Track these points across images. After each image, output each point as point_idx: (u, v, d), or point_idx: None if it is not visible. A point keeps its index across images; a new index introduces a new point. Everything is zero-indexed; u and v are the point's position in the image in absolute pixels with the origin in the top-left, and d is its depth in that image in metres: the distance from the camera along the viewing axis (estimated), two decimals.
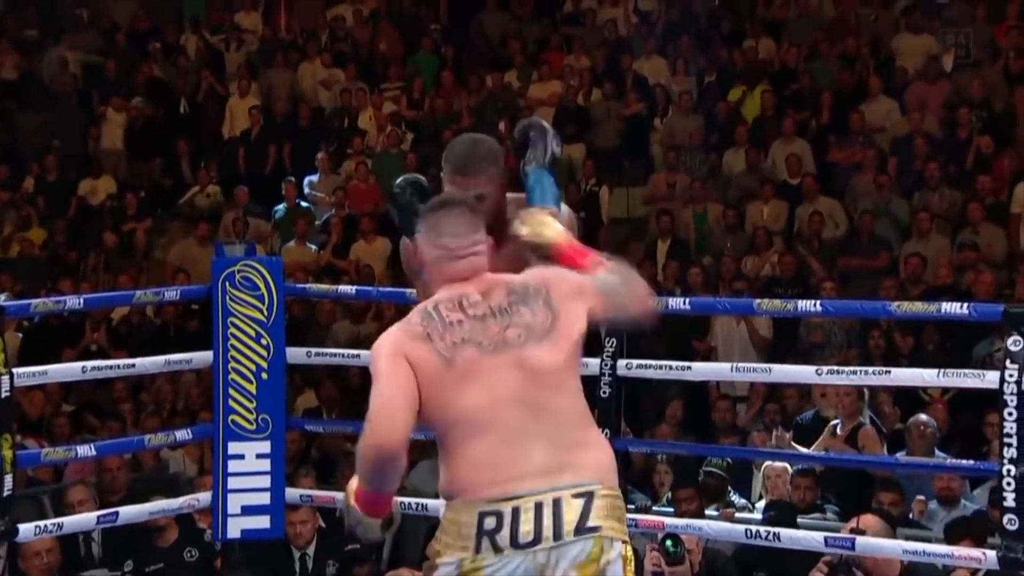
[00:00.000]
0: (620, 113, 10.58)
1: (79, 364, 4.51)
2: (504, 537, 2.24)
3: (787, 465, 5.39)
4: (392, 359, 2.30)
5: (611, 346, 4.22)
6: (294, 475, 5.27)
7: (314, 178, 10.51)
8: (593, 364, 4.28)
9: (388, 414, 2.26)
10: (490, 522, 2.24)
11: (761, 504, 5.40)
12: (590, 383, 6.27)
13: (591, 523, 2.25)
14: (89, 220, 10.68)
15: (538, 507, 2.24)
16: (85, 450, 4.45)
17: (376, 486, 2.33)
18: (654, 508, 4.99)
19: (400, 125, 11.03)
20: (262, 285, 4.50)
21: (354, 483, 2.40)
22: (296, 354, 4.64)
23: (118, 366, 4.60)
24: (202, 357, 4.67)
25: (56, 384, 7.23)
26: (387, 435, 2.25)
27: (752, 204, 9.39)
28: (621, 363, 4.24)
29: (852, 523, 4.09)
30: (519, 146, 2.82)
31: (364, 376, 6.83)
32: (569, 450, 2.29)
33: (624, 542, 2.30)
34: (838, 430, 5.75)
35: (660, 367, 4.39)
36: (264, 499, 4.54)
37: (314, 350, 4.95)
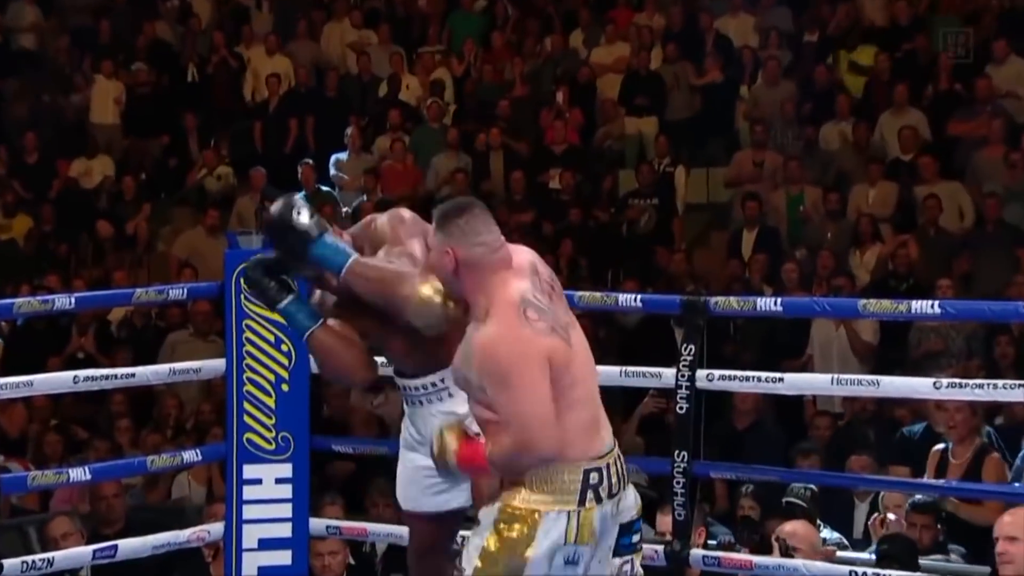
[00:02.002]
0: (699, 81, 10.54)
1: (70, 374, 4.56)
2: (604, 488, 3.04)
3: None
4: (540, 365, 2.96)
5: (689, 354, 4.23)
6: (317, 503, 5.31)
7: (342, 156, 10.57)
8: (668, 375, 4.31)
9: (549, 422, 2.96)
10: (594, 477, 3.02)
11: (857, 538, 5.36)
12: (665, 397, 6.32)
13: (627, 475, 3.13)
14: (81, 206, 10.81)
15: (615, 461, 3.07)
16: (78, 473, 4.49)
17: (505, 473, 3.05)
18: (739, 545, 4.98)
19: (442, 95, 11.07)
20: None
21: (454, 445, 3.09)
22: None
23: (115, 376, 4.61)
24: (213, 366, 4.71)
25: (42, 397, 7.32)
26: (547, 443, 2.96)
27: (856, 187, 9.33)
28: (701, 374, 4.24)
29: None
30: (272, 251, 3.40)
31: None
32: (603, 411, 3.11)
33: None
34: (950, 456, 5.66)
35: (747, 379, 4.38)
36: (285, 531, 4.58)
37: None
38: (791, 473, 5.45)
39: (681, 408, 4.22)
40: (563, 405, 2.99)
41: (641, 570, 3.20)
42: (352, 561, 5.34)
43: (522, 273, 3.05)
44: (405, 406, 3.49)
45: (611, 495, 3.05)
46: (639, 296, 4.58)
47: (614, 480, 3.05)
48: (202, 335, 8.16)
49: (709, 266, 9.24)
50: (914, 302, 4.11)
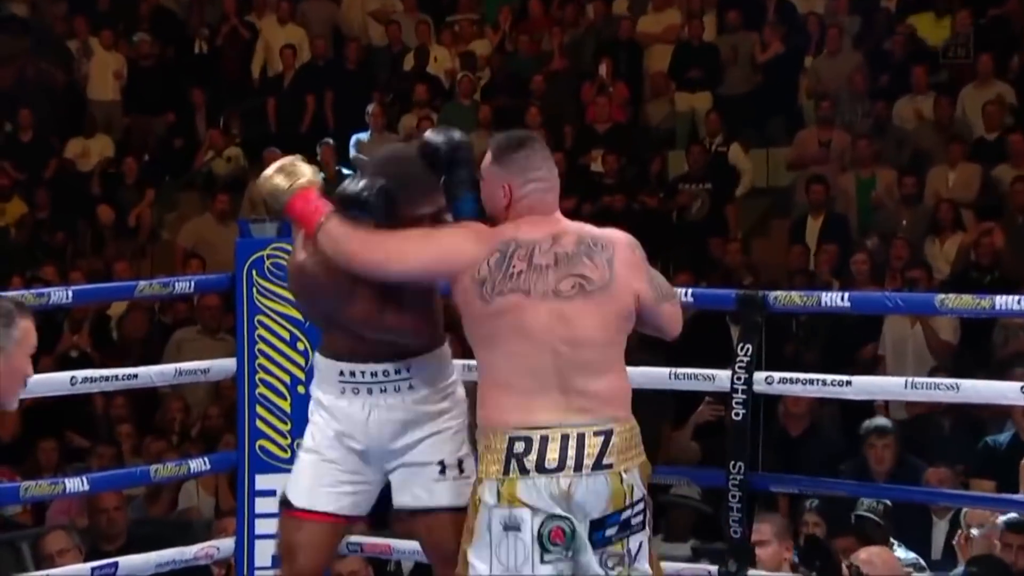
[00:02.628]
0: (758, 51, 10.50)
1: (67, 374, 4.58)
2: (531, 460, 3.16)
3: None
4: (464, 239, 3.21)
5: (745, 354, 4.22)
6: None
7: (364, 136, 10.60)
8: (723, 378, 4.29)
9: (406, 265, 3.20)
10: (519, 446, 3.16)
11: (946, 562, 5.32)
12: (719, 401, 6.29)
13: (607, 460, 3.19)
14: (78, 190, 10.89)
15: (564, 438, 3.16)
16: (76, 484, 4.51)
17: (329, 249, 3.25)
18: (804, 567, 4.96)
19: (473, 69, 11.08)
20: None
21: (286, 187, 3.30)
22: None
23: (116, 377, 4.56)
24: (222, 366, 4.71)
25: (31, 400, 7.35)
26: (394, 272, 3.21)
27: (935, 169, 9.28)
28: (758, 376, 4.22)
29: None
30: (442, 162, 3.34)
31: None
32: (591, 394, 3.21)
33: (641, 463, 3.29)
34: None
35: (810, 382, 4.36)
36: None
37: None
38: (862, 487, 5.43)
39: (737, 414, 4.20)
40: (492, 366, 3.18)
41: (636, 549, 3.25)
42: None
43: (546, 225, 3.22)
44: (333, 398, 3.43)
45: (544, 470, 3.15)
46: (690, 290, 4.54)
47: (551, 456, 3.15)
48: (210, 332, 8.21)
49: (768, 257, 9.22)
50: (999, 297, 4.05)
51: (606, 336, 3.25)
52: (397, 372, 3.38)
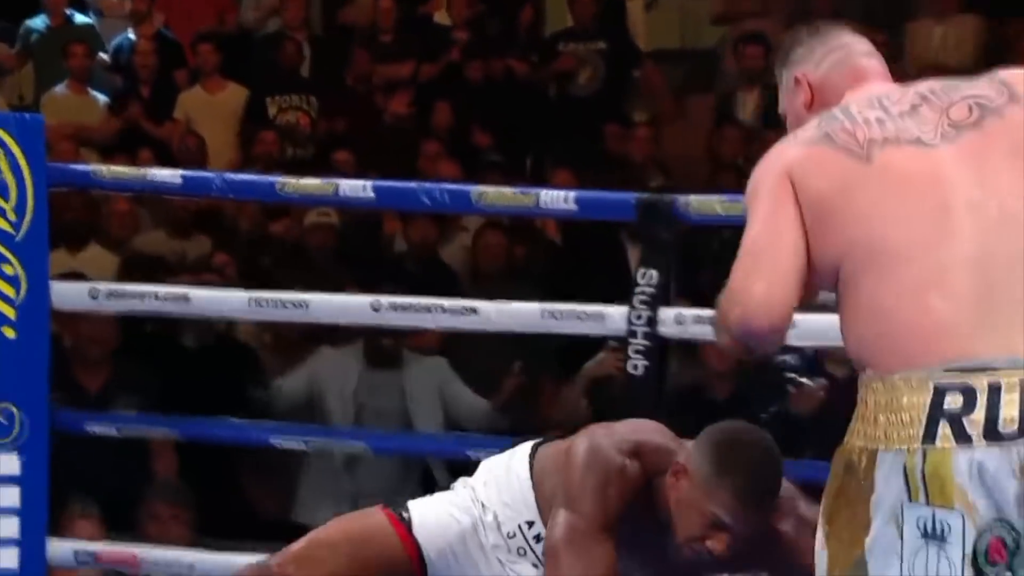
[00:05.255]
0: None
1: None
2: (976, 422, 2.78)
3: None
4: (776, 187, 2.97)
5: (648, 283, 4.36)
6: (61, 515, 5.31)
7: (37, 25, 10.20)
8: (617, 317, 4.45)
9: (767, 281, 3.02)
10: (953, 401, 2.79)
11: None
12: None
13: None
14: None
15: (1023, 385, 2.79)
16: None
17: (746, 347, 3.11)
18: None
19: None
20: (4, 166, 4.56)
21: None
22: (69, 294, 4.73)
23: None
24: None
25: None
26: (760, 313, 3.01)
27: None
28: (666, 315, 4.36)
29: None
30: None
31: (200, 332, 6.91)
32: None
33: None
34: None
35: None
36: (10, 560, 4.60)
37: (104, 286, 4.96)
38: None
39: (635, 366, 4.34)
40: (877, 270, 2.89)
41: None
42: None
43: (869, 89, 3.08)
44: (508, 555, 3.79)
45: (998, 437, 2.79)
46: (573, 194, 4.62)
47: (1009, 412, 2.79)
48: None
49: (686, 149, 9.21)
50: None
51: None
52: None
